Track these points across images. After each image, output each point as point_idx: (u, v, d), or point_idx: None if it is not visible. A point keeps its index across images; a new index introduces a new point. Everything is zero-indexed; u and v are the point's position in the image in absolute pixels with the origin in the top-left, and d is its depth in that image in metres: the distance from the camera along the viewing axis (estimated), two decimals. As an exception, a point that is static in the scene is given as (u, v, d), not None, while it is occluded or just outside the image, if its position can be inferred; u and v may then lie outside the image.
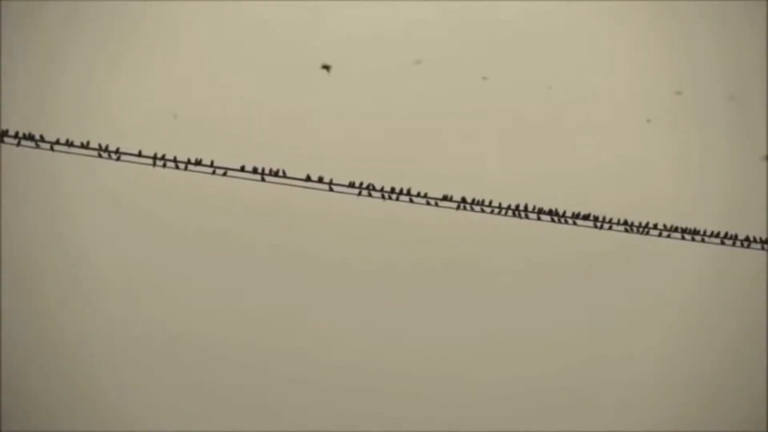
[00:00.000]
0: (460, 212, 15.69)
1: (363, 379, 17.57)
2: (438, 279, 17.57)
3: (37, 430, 17.28)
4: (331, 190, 15.26)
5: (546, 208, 15.66)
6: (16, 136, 15.11)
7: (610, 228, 15.77)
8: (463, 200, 15.58)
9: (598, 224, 15.73)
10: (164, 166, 15.18)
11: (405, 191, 15.44)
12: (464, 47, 17.77)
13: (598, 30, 17.82)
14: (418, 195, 15.47)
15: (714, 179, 17.92)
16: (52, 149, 15.16)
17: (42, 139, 15.13)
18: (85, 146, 15.36)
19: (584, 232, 15.84)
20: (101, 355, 17.44)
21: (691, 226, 16.08)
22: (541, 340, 17.69)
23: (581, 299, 17.65)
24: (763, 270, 17.60)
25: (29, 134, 15.08)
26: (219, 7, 17.58)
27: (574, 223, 15.79)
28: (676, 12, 17.86)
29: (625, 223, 15.83)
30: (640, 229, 15.86)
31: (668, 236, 15.92)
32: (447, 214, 15.59)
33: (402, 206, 15.88)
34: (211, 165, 15.36)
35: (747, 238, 16.26)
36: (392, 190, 15.39)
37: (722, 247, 16.44)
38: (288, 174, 15.22)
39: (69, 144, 15.20)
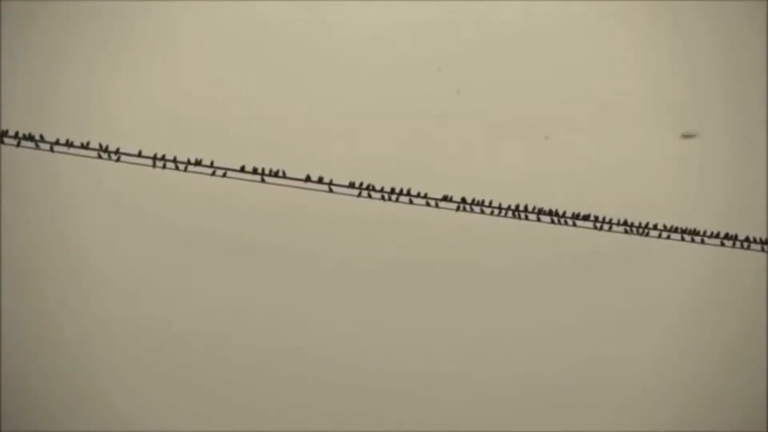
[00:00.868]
0: (460, 212, 15.70)
1: (363, 379, 17.58)
2: (438, 279, 17.58)
3: (37, 430, 17.29)
4: (330, 190, 15.27)
5: (546, 209, 15.69)
6: (16, 136, 15.11)
7: (610, 228, 15.79)
8: (463, 200, 15.59)
9: (598, 225, 15.74)
10: (164, 166, 15.18)
11: (405, 191, 15.45)
12: (464, 47, 17.77)
13: (598, 30, 17.82)
14: (418, 195, 15.50)
15: (714, 179, 17.92)
16: (52, 149, 15.15)
17: (42, 139, 15.13)
18: (85, 146, 15.36)
19: (584, 232, 15.85)
20: (101, 355, 17.45)
21: (691, 226, 16.08)
22: (541, 340, 17.70)
23: (581, 299, 17.66)
24: (763, 270, 17.61)
25: (29, 134, 15.07)
26: (219, 7, 17.58)
27: (574, 224, 15.80)
28: (676, 12, 17.86)
29: (625, 223, 15.83)
30: (640, 230, 15.87)
31: (668, 237, 15.94)
32: (447, 214, 15.60)
33: (402, 206, 15.89)
34: (211, 165, 15.36)
35: (747, 239, 16.26)
36: (392, 191, 15.40)
37: (722, 247, 16.45)
38: (288, 174, 15.23)
39: (69, 144, 15.20)
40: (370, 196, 15.37)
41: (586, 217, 15.89)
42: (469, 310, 17.61)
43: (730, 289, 17.77)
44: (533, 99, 17.77)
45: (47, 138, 15.31)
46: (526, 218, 15.50)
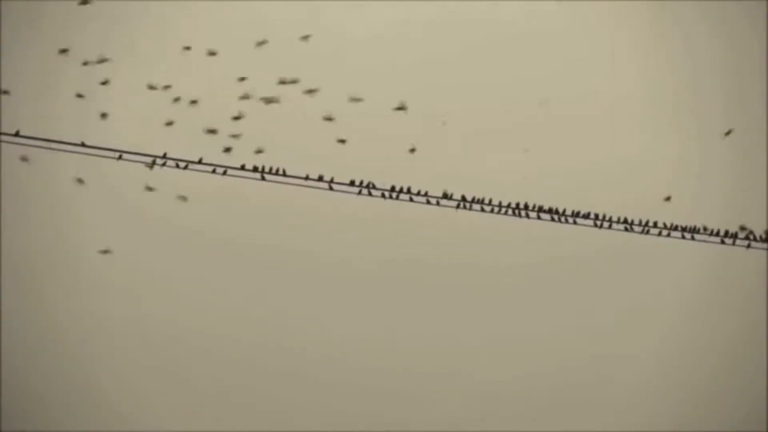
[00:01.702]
0: (460, 212, 15.71)
1: (363, 378, 17.57)
2: (438, 278, 17.56)
3: (37, 430, 17.26)
4: (330, 189, 15.28)
5: (546, 207, 15.69)
6: (16, 135, 15.12)
7: (610, 227, 15.80)
8: (463, 199, 15.60)
9: (599, 223, 15.75)
10: (164, 165, 15.19)
11: (405, 190, 15.46)
12: (464, 47, 17.78)
13: (598, 30, 17.82)
14: (418, 194, 15.51)
15: (714, 179, 17.91)
16: (52, 150, 15.16)
17: (42, 139, 15.13)
18: (84, 146, 15.36)
19: (584, 230, 15.86)
20: (101, 355, 17.43)
21: (691, 225, 16.08)
22: (541, 340, 17.68)
23: (581, 298, 17.64)
24: (763, 270, 17.60)
25: (29, 134, 15.08)
26: (219, 6, 17.59)
27: (575, 222, 15.82)
28: (676, 12, 17.87)
29: (626, 221, 15.84)
30: (641, 228, 15.88)
31: (668, 235, 15.95)
32: (447, 212, 15.60)
33: (402, 206, 15.89)
34: (211, 164, 15.38)
35: (747, 238, 16.28)
36: (392, 189, 15.41)
37: (722, 246, 16.46)
38: (288, 173, 15.24)
39: (69, 144, 15.20)
40: (370, 194, 15.36)
41: (586, 216, 15.90)
42: (469, 309, 17.59)
43: (730, 289, 17.76)
44: (533, 99, 17.78)
45: (47, 138, 15.31)
46: (527, 216, 15.50)
